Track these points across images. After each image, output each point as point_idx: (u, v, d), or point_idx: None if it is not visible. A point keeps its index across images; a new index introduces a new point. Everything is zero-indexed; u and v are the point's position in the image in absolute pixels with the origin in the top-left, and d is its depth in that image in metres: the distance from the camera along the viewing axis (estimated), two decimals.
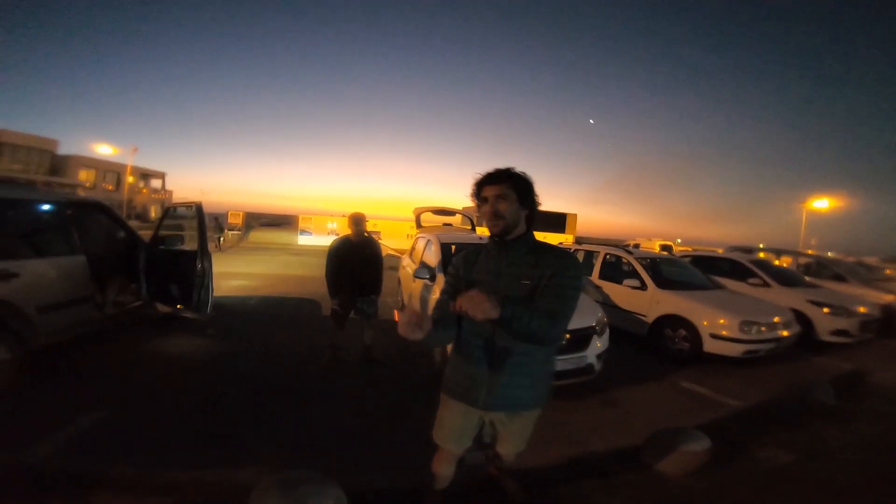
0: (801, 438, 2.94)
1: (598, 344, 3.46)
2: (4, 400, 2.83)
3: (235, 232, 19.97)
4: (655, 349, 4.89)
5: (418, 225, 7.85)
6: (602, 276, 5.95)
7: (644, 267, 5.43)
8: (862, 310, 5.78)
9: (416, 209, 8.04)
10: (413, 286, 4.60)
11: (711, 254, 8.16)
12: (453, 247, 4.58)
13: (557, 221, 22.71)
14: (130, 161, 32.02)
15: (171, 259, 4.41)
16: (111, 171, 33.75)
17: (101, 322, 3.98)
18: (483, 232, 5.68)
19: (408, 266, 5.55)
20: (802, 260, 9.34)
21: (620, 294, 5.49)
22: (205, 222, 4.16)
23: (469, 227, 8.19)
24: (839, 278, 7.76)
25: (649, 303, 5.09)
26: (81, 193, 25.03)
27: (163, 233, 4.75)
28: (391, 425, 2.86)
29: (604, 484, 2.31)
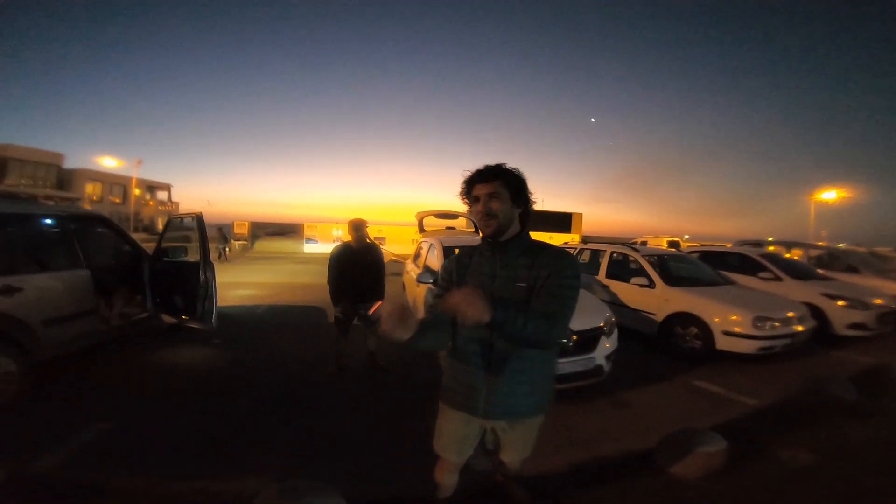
0: (820, 437, 2.84)
1: (607, 345, 3.39)
2: (12, 411, 2.87)
3: (241, 242, 20.15)
4: (666, 348, 4.80)
5: (421, 229, 7.78)
6: (609, 274, 5.87)
7: (652, 264, 5.35)
8: (879, 302, 5.60)
9: (419, 213, 7.95)
10: (417, 291, 4.57)
11: (720, 249, 8.02)
12: (456, 250, 4.54)
13: (563, 221, 22.72)
14: (136, 173, 32.48)
15: (174, 270, 4.45)
16: (118, 183, 34.14)
17: (107, 334, 4.01)
18: None
19: (412, 271, 5.52)
20: (813, 252, 9.10)
21: (628, 293, 5.41)
22: (206, 233, 4.19)
23: (473, 230, 8.13)
24: (852, 270, 7.54)
25: (658, 301, 5.00)
26: (87, 206, 25.40)
27: (166, 244, 4.78)
28: (395, 433, 2.82)
29: (616, 489, 2.24)
